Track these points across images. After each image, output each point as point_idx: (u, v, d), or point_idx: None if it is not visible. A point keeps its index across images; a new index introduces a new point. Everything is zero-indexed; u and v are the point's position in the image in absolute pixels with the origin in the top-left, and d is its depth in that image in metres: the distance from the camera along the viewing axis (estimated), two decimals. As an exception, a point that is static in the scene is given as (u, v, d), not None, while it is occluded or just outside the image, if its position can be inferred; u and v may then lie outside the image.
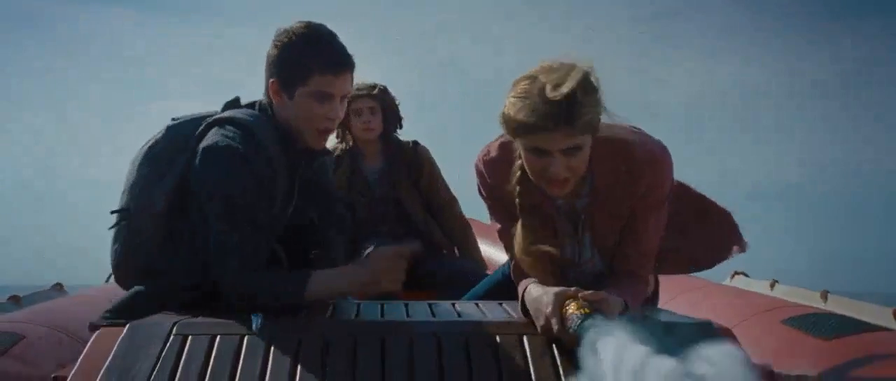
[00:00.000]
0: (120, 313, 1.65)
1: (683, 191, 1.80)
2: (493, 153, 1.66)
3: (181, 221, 1.71)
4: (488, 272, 2.99)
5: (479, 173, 1.69)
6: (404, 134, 3.01)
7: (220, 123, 1.70)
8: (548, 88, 1.41)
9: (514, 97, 1.47)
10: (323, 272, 1.67)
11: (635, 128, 1.62)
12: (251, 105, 1.78)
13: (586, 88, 1.43)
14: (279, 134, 1.71)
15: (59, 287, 3.01)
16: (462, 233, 3.01)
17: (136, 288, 1.74)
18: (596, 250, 1.68)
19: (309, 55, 1.66)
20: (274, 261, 1.78)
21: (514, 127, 1.47)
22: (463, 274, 2.76)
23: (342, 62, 1.68)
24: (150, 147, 1.77)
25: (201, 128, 1.71)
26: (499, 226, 1.72)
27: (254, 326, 1.47)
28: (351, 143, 2.93)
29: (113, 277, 1.86)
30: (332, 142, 2.97)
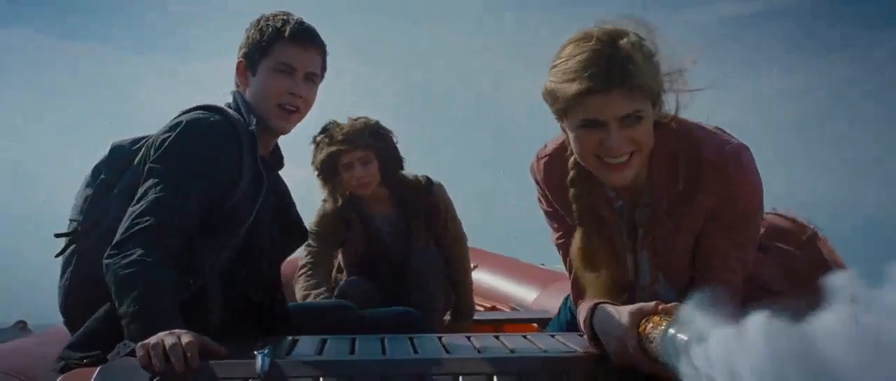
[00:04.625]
0: (92, 346, 1.42)
1: (810, 242, 1.45)
2: (549, 151, 1.43)
3: None
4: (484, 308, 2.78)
5: (534, 176, 1.46)
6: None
7: (189, 110, 1.61)
8: (598, 45, 1.21)
9: (558, 62, 1.25)
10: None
11: (714, 127, 1.35)
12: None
13: (642, 49, 1.23)
14: (250, 134, 1.59)
15: (22, 325, 2.76)
16: (464, 274, 2.69)
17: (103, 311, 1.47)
18: (658, 272, 1.38)
19: (274, 29, 1.63)
20: (200, 295, 1.49)
21: (561, 96, 1.24)
22: None
23: (307, 36, 1.65)
24: (95, 167, 1.67)
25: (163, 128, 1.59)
26: (556, 236, 1.47)
27: (258, 366, 1.18)
28: (347, 194, 2.51)
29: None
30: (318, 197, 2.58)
